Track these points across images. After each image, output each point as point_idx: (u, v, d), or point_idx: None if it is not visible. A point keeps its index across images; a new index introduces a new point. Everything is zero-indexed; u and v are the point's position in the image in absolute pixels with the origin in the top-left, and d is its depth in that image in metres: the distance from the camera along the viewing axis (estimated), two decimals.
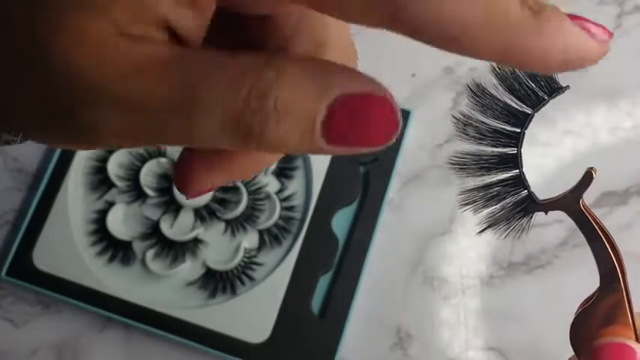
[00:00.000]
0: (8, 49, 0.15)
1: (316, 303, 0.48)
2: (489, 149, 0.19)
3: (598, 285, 0.21)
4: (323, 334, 0.47)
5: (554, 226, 0.50)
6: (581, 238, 0.51)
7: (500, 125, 0.19)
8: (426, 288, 0.49)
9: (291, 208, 0.50)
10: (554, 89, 0.18)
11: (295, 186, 0.51)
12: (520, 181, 0.19)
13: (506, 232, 0.19)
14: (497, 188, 0.19)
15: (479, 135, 0.19)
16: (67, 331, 0.49)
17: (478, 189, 0.19)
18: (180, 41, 0.16)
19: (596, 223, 0.19)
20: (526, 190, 0.19)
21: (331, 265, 0.49)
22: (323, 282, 0.49)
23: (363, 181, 0.50)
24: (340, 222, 0.50)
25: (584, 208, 0.18)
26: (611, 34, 0.15)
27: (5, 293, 0.49)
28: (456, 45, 0.14)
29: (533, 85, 0.18)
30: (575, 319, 0.20)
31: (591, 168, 0.18)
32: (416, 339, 0.48)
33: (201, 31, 0.16)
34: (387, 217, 0.50)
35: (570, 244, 0.50)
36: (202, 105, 0.14)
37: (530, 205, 0.19)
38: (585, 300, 0.20)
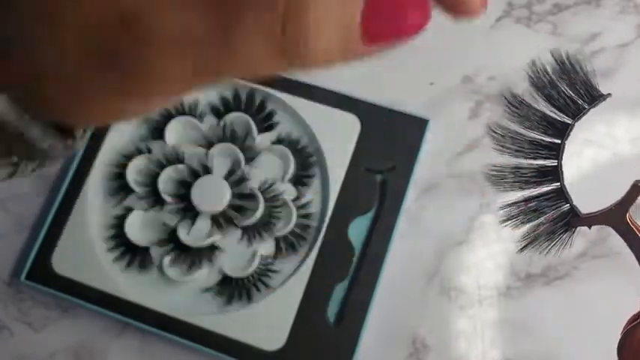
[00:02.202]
0: None
1: (332, 311, 0.48)
2: (528, 162, 0.18)
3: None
4: (338, 343, 0.47)
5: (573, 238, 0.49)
6: (600, 249, 0.50)
7: (538, 136, 0.18)
8: (442, 298, 0.49)
9: (307, 216, 0.50)
10: (595, 97, 0.18)
11: (312, 194, 0.51)
12: (562, 195, 0.18)
13: (548, 248, 0.18)
14: (537, 202, 0.18)
15: (517, 147, 0.18)
16: (84, 335, 0.49)
17: (518, 203, 0.18)
18: None
19: None
20: (568, 204, 0.18)
21: (347, 274, 0.48)
22: (339, 290, 0.48)
23: (379, 190, 0.50)
24: (356, 230, 0.49)
25: (631, 222, 0.18)
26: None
27: (24, 297, 0.50)
28: None
29: (573, 94, 0.17)
30: (622, 336, 0.19)
31: (638, 181, 0.18)
32: (432, 349, 0.48)
33: None
34: (403, 226, 0.49)
35: (589, 255, 0.49)
36: (243, 29, 0.14)
37: (573, 220, 0.18)
38: (633, 317, 0.19)
